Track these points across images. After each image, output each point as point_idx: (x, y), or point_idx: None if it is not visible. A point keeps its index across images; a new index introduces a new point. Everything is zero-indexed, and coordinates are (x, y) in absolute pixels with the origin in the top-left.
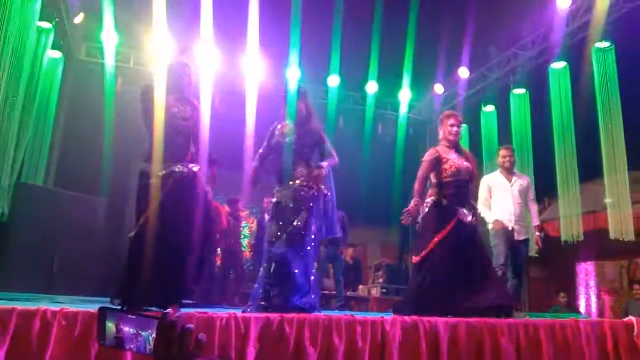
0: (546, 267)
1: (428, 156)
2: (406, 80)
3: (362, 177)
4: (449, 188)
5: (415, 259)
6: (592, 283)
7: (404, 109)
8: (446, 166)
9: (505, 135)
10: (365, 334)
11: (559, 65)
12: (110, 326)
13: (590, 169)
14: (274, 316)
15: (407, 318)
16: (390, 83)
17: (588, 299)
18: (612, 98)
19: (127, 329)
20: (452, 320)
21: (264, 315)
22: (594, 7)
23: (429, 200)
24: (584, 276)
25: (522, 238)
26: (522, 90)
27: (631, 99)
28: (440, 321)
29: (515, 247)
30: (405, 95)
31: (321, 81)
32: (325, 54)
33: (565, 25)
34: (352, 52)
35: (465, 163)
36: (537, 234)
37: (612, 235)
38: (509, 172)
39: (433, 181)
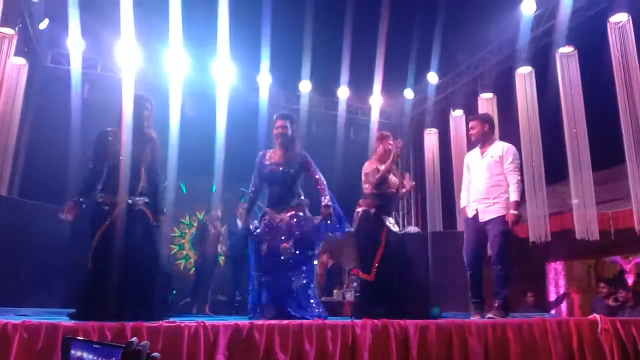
0: (516, 267)
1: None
2: (377, 86)
3: (334, 182)
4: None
5: (364, 276)
6: (561, 282)
7: (375, 114)
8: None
9: None
10: (336, 338)
11: (524, 70)
12: (74, 355)
13: (556, 170)
14: (243, 323)
15: (377, 321)
16: (361, 88)
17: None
18: (575, 101)
19: (92, 358)
20: (421, 322)
21: (232, 322)
22: (557, 13)
23: (360, 210)
24: (553, 275)
25: (486, 218)
26: (489, 95)
27: (594, 102)
28: (410, 323)
29: (483, 235)
30: (376, 100)
31: (293, 86)
32: (296, 59)
33: (530, 30)
34: (323, 58)
35: (393, 178)
36: (510, 211)
37: (577, 235)
38: (483, 144)
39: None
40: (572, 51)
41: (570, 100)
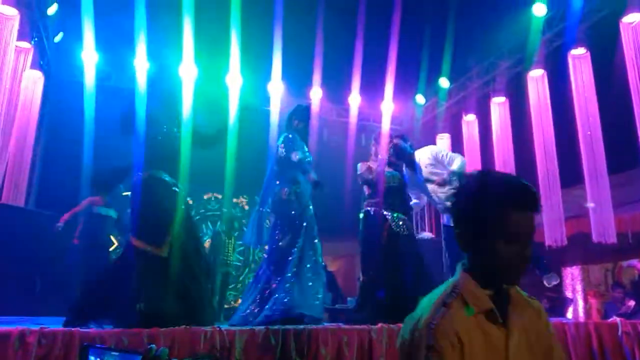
0: (532, 272)
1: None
2: (388, 92)
3: (345, 189)
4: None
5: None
6: (579, 287)
7: (386, 120)
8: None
9: (486, 143)
10: (352, 343)
11: (536, 73)
12: None
13: (571, 174)
14: (259, 328)
15: (393, 325)
16: (372, 94)
17: (575, 303)
18: (589, 103)
19: None
20: None
21: (248, 328)
22: (569, 14)
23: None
24: (570, 280)
25: None
26: (502, 99)
27: (608, 104)
28: None
29: None
30: (387, 106)
31: (304, 94)
32: (307, 67)
33: (541, 33)
34: (334, 65)
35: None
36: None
37: (594, 239)
38: (408, 162)
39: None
40: (585, 53)
41: (583, 103)
